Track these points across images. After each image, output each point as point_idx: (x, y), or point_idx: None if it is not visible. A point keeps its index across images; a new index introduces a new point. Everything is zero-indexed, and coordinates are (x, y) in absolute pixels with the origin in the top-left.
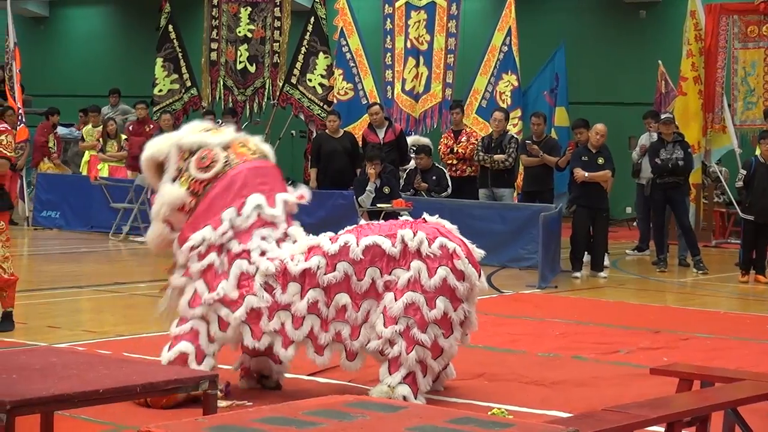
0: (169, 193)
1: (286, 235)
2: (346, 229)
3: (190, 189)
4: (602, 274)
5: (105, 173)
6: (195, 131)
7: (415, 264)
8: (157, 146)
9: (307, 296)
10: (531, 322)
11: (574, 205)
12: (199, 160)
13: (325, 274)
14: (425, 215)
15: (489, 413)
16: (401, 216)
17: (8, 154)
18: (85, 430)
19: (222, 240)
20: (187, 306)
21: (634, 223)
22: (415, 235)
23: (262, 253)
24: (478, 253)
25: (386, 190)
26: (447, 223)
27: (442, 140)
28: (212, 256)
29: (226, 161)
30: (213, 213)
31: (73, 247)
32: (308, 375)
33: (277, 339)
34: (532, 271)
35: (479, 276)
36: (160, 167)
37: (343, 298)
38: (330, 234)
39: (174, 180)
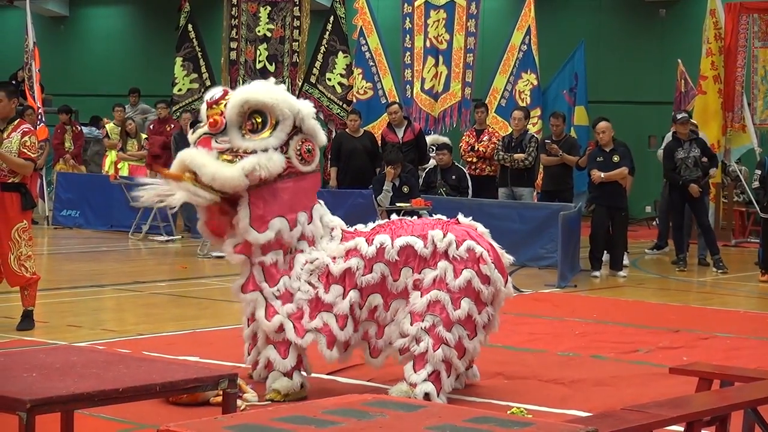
0: (276, 161)
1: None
2: (377, 223)
3: (284, 170)
4: (621, 273)
5: (125, 172)
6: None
7: (442, 264)
8: (286, 101)
9: (349, 296)
10: (550, 321)
11: (593, 204)
12: (306, 152)
13: (363, 275)
14: (460, 216)
15: (508, 412)
16: (420, 214)
17: (32, 155)
18: (105, 428)
19: (290, 240)
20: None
21: (654, 222)
22: (444, 236)
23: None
24: (507, 258)
25: (405, 189)
26: (480, 226)
27: (463, 138)
28: (280, 254)
29: (316, 161)
30: (290, 207)
31: (93, 246)
32: (327, 374)
33: (321, 338)
34: (552, 270)
35: (506, 282)
36: (253, 114)
37: (376, 299)
38: (362, 228)
39: (278, 149)
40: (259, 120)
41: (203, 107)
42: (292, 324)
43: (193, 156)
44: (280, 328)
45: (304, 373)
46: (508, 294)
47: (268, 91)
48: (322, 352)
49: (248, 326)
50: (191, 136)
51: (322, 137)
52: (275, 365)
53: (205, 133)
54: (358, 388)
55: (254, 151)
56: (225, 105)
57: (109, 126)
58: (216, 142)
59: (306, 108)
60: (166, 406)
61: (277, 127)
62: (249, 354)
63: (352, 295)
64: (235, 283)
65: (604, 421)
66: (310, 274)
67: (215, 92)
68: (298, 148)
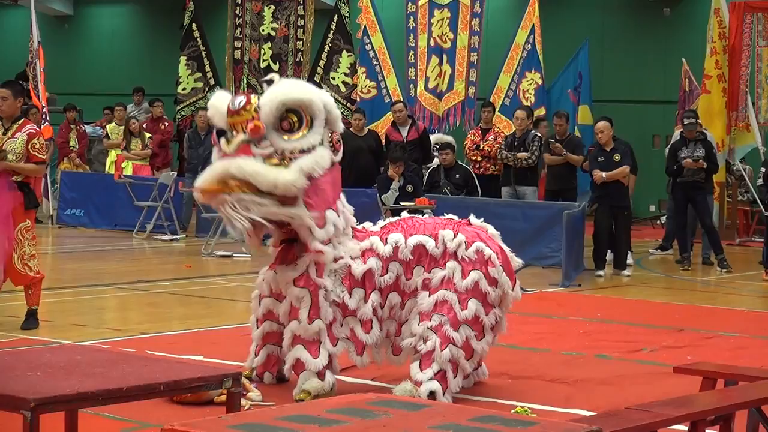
0: (326, 157)
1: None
2: (388, 221)
3: None
4: (625, 272)
5: (129, 171)
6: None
7: (451, 264)
8: (319, 96)
9: (371, 299)
10: (554, 320)
11: (595, 203)
12: (336, 141)
13: (381, 275)
14: (471, 217)
15: (512, 411)
16: (425, 213)
17: (43, 157)
18: (109, 427)
19: (340, 228)
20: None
21: (658, 221)
22: (455, 236)
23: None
24: (517, 262)
25: (409, 188)
26: (491, 228)
27: (468, 136)
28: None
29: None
30: (333, 199)
31: (98, 245)
32: None
33: (351, 345)
34: (556, 269)
35: (513, 285)
36: (288, 114)
37: (395, 298)
38: (371, 227)
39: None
40: (295, 119)
41: (220, 115)
42: (326, 332)
43: (241, 166)
44: (316, 334)
45: (333, 375)
46: (516, 297)
47: (301, 89)
48: (354, 360)
49: (258, 327)
50: (228, 147)
51: (341, 124)
52: (307, 365)
53: (243, 141)
54: (362, 388)
55: (301, 151)
56: (254, 109)
57: (110, 126)
58: (257, 147)
59: (329, 98)
60: (170, 405)
61: (314, 124)
62: (257, 355)
63: (374, 297)
64: (286, 274)
65: (608, 420)
66: (335, 274)
67: (238, 99)
68: (329, 139)
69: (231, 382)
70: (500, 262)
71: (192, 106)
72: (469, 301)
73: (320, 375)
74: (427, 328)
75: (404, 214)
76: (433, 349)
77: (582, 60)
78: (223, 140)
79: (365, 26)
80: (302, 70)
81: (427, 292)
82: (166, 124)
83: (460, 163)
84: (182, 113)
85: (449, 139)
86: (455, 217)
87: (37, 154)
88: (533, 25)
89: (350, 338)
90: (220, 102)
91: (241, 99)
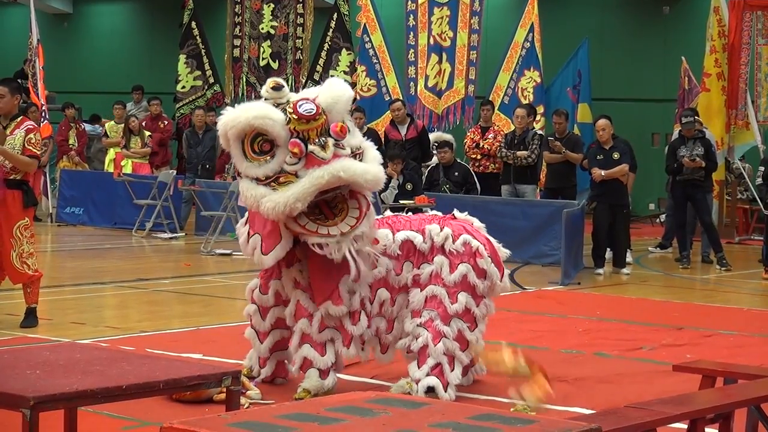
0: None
1: None
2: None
3: None
4: (625, 270)
5: (128, 170)
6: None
7: (438, 259)
8: None
9: (358, 292)
10: (553, 318)
11: (594, 202)
12: None
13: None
14: (455, 211)
15: (512, 410)
16: (425, 211)
17: (37, 152)
18: (108, 425)
19: None
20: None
21: (657, 220)
22: (441, 230)
23: None
24: (504, 252)
25: (409, 186)
26: (476, 221)
27: (468, 134)
28: None
29: None
30: None
31: (97, 243)
32: None
33: (337, 335)
34: (555, 267)
35: (502, 276)
36: None
37: (384, 293)
38: None
39: None
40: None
41: (284, 120)
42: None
43: (351, 166)
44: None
45: (336, 375)
46: (505, 288)
47: (345, 85)
48: (339, 351)
49: (262, 341)
50: (324, 153)
51: None
52: (315, 363)
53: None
54: (360, 386)
55: (358, 145)
56: (323, 113)
57: (109, 124)
58: (341, 147)
59: None
60: (170, 403)
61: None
62: (263, 366)
63: (361, 289)
64: (291, 275)
65: (607, 418)
66: None
67: (308, 106)
68: None
69: (230, 380)
70: (488, 252)
71: (191, 104)
72: (458, 295)
73: (325, 373)
74: (417, 325)
75: (388, 212)
76: (426, 345)
77: (581, 58)
78: (316, 147)
79: (365, 24)
80: (301, 69)
81: (418, 289)
82: (166, 122)
83: (459, 161)
84: (181, 111)
85: (448, 137)
86: (440, 214)
87: (31, 148)
88: (532, 23)
89: (338, 329)
90: (269, 111)
91: (310, 105)
